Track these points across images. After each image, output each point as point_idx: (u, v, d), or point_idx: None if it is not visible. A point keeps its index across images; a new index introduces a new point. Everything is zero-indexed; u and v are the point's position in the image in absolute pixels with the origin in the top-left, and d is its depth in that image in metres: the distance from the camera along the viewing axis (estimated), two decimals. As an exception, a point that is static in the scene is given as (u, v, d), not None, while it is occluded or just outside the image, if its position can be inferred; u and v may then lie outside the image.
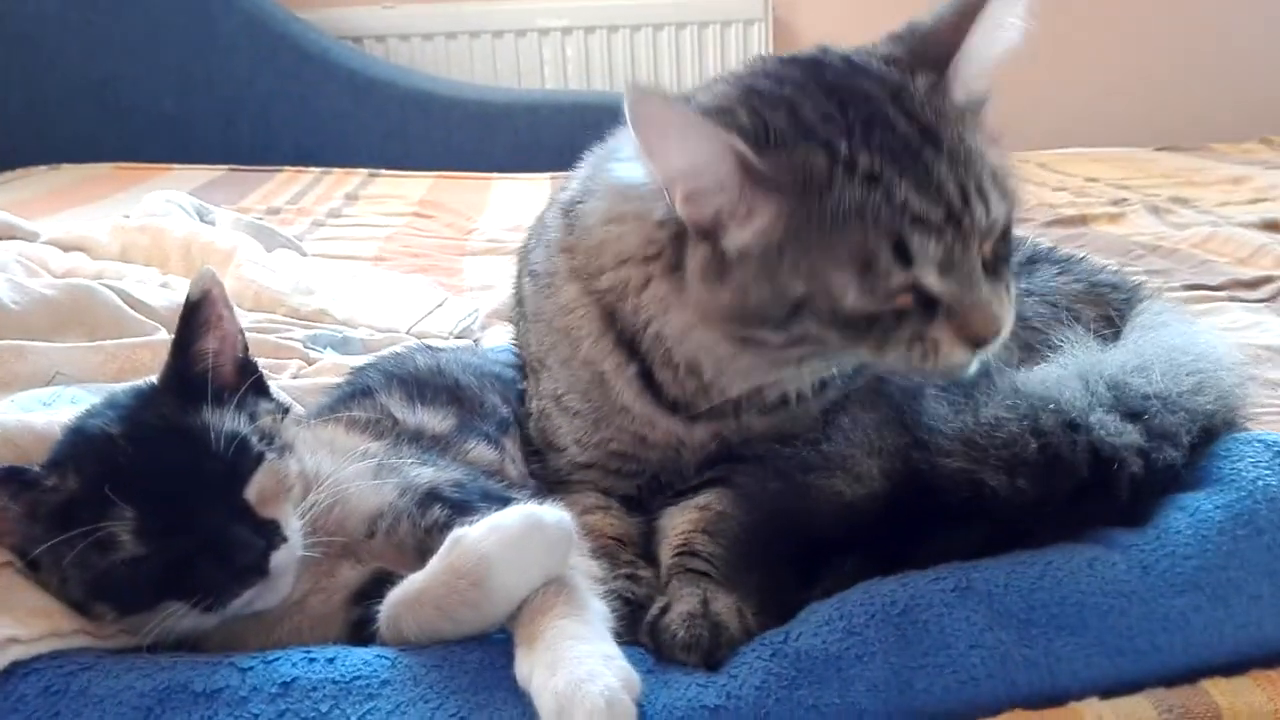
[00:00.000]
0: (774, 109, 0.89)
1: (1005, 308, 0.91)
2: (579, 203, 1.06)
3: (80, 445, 0.87)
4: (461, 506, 0.94)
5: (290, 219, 2.70)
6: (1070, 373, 0.98)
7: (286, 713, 0.76)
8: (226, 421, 0.88)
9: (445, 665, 0.80)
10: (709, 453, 1.06)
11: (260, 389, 0.97)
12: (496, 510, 0.84)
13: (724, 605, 0.88)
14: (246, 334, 1.54)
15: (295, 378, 1.45)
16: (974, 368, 0.93)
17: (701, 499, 1.02)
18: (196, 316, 0.92)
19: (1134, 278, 1.27)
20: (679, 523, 1.01)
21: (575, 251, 1.06)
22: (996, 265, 0.92)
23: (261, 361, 1.44)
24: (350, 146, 3.61)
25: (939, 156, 0.87)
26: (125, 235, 2.01)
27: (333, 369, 1.47)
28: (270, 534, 0.84)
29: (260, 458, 0.88)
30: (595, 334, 1.04)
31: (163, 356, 1.44)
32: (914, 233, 0.86)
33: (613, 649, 0.76)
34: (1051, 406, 0.92)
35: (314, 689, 0.77)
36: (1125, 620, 0.82)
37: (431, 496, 0.95)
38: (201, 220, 2.20)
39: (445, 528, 0.88)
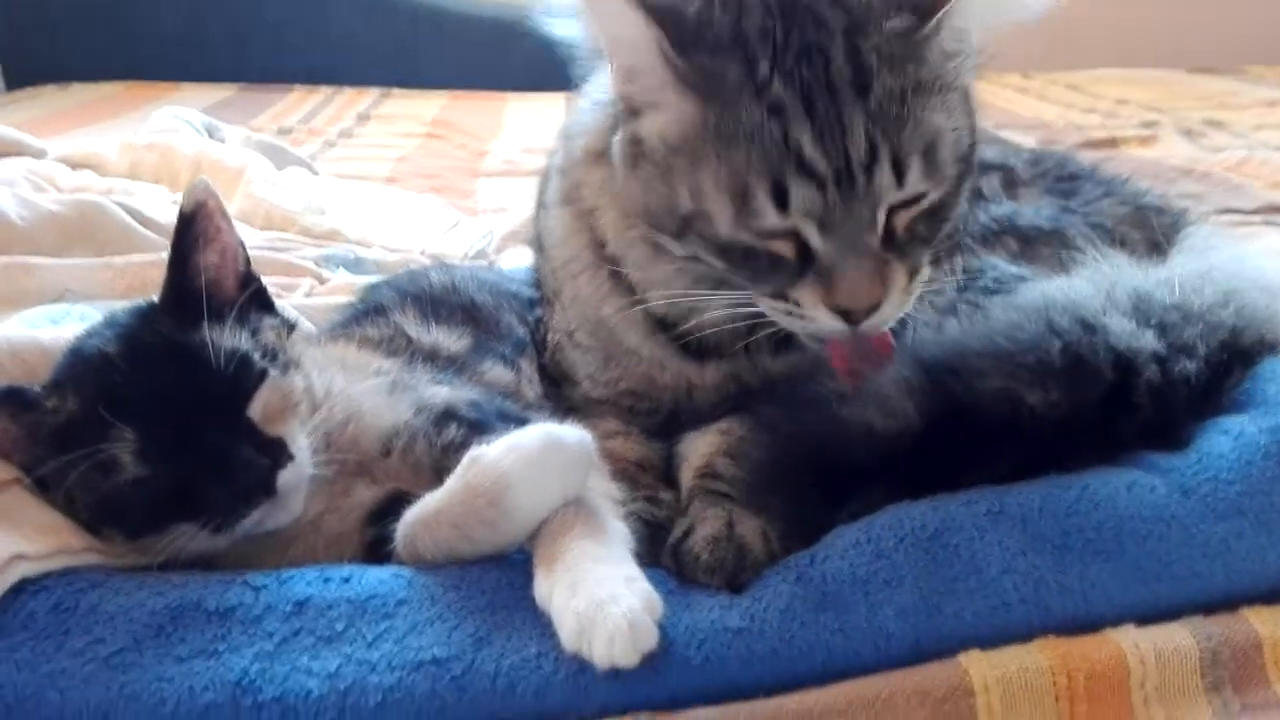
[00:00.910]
0: (724, 7, 0.84)
1: (885, 288, 0.85)
2: (572, 121, 1.03)
3: (78, 366, 0.85)
4: (478, 426, 0.92)
5: (301, 139, 2.66)
6: (1089, 281, 0.95)
7: (301, 631, 0.74)
8: (227, 338, 0.85)
9: (463, 585, 0.78)
10: (726, 394, 1.03)
11: (264, 304, 0.94)
12: (514, 430, 0.82)
13: (749, 528, 0.86)
14: (258, 253, 1.54)
15: (308, 296, 1.42)
16: (872, 322, 0.87)
17: (724, 423, 1.00)
18: (191, 230, 0.88)
19: (1178, 202, 1.22)
20: (700, 445, 0.99)
21: (567, 173, 1.03)
22: (906, 243, 0.86)
23: (274, 280, 1.43)
24: (361, 65, 3.55)
25: (858, 107, 0.81)
26: (134, 153, 1.97)
27: (346, 288, 1.44)
28: (276, 452, 0.82)
29: (263, 374, 0.85)
30: (590, 266, 1.01)
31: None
32: (797, 179, 0.81)
33: (634, 570, 0.75)
34: (1061, 306, 0.89)
35: (329, 608, 0.76)
36: (1164, 546, 0.80)
37: (447, 415, 0.93)
38: (211, 138, 2.16)
39: (462, 447, 0.85)
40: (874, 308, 0.85)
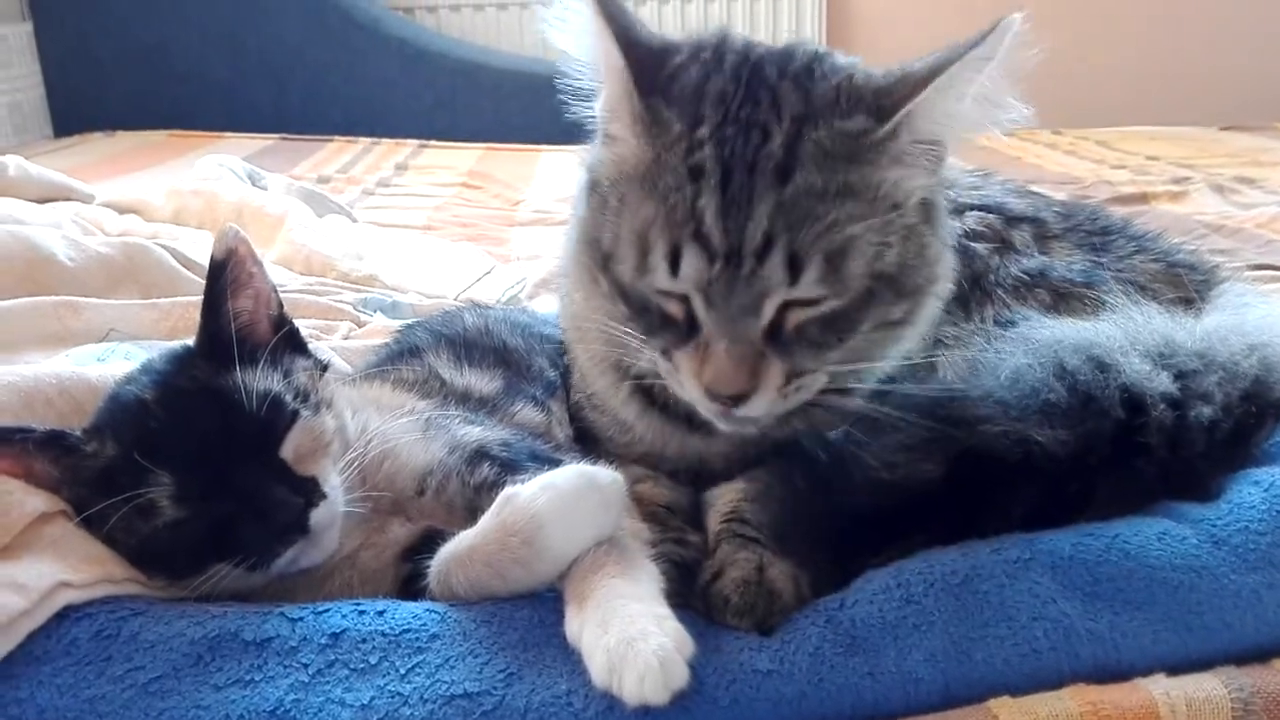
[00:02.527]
0: (701, 64, 0.86)
1: (756, 381, 0.83)
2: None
3: (116, 412, 0.87)
4: (510, 465, 0.93)
5: (340, 188, 2.71)
6: (1116, 324, 0.95)
7: (336, 663, 0.75)
8: (260, 381, 0.86)
9: (495, 621, 0.79)
10: (744, 458, 1.01)
11: (297, 346, 0.96)
12: (546, 470, 0.83)
13: (779, 572, 0.86)
14: (298, 296, 1.57)
15: (346, 339, 1.45)
16: (739, 412, 0.85)
17: (751, 472, 1.00)
18: (224, 276, 0.90)
19: (1210, 258, 1.21)
20: (727, 493, 0.99)
21: (576, 214, 1.02)
22: (794, 342, 0.84)
23: (313, 323, 1.46)
24: (399, 116, 3.63)
25: (771, 193, 0.80)
26: (179, 199, 2.02)
27: (382, 332, 1.46)
28: (309, 491, 0.83)
29: (295, 415, 0.86)
30: (592, 331, 1.00)
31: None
32: (691, 247, 0.81)
33: (665, 609, 0.75)
34: (1074, 346, 0.89)
35: (363, 640, 0.77)
36: (1195, 596, 0.80)
37: (480, 455, 0.94)
38: (254, 185, 2.22)
39: (494, 486, 0.87)
40: (741, 397, 0.84)
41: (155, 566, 0.83)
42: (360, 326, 1.52)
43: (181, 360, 0.90)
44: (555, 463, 0.93)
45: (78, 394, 1.06)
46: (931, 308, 0.92)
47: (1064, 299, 1.03)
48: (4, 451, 0.83)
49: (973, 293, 1.05)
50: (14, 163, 1.94)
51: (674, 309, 0.85)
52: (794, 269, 0.80)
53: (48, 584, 0.77)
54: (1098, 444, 0.86)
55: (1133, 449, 0.87)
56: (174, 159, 3.04)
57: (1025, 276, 1.05)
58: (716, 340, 0.82)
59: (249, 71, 3.68)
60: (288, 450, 0.85)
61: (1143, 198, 2.42)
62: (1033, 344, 0.91)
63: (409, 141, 3.36)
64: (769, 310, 0.82)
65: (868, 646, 0.77)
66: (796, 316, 0.83)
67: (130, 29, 3.62)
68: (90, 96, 3.63)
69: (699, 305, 0.83)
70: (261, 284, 0.93)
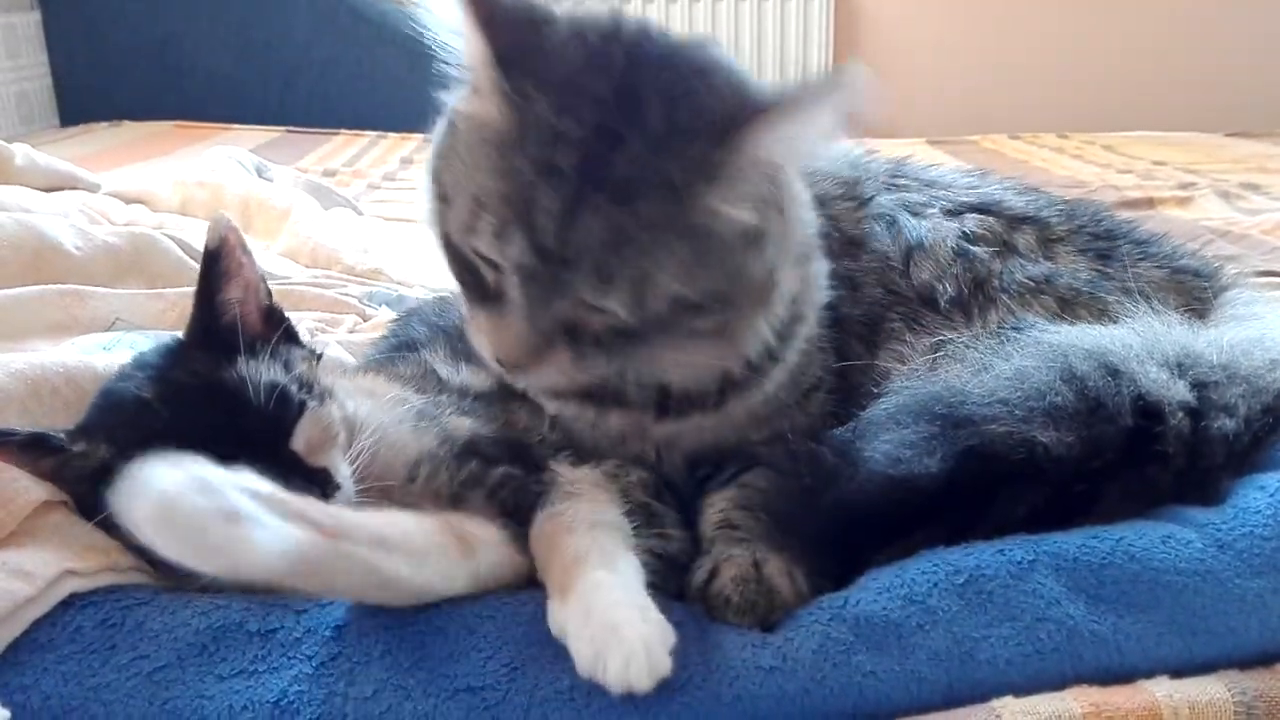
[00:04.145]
0: (580, 54, 0.85)
1: (539, 364, 0.86)
2: None
3: (112, 411, 0.84)
4: (495, 462, 0.93)
5: (346, 181, 2.71)
6: (1135, 331, 0.95)
7: (340, 656, 0.75)
8: (263, 372, 0.85)
9: (499, 615, 0.79)
10: (694, 453, 1.02)
11: (291, 335, 0.94)
12: (528, 470, 0.86)
13: (775, 568, 0.86)
14: (305, 288, 1.57)
15: (352, 332, 1.45)
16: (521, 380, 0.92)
17: (742, 478, 1.00)
18: (217, 265, 0.89)
19: (1215, 262, 1.20)
20: (716, 499, 0.98)
21: None
22: (585, 339, 0.86)
23: (318, 315, 1.46)
24: (405, 111, 3.60)
25: (605, 213, 0.80)
26: (185, 190, 2.02)
27: (387, 325, 1.47)
28: (323, 483, 0.82)
29: (302, 406, 0.85)
30: None
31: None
32: (519, 230, 0.81)
33: (645, 600, 0.75)
34: (1085, 351, 0.89)
35: (367, 634, 0.77)
36: (1199, 600, 0.79)
37: (469, 450, 0.94)
38: (260, 177, 2.22)
39: (478, 482, 0.89)
40: (504, 362, 0.87)
41: (163, 568, 0.81)
42: (366, 320, 1.52)
43: (177, 354, 0.88)
44: (540, 461, 0.94)
45: (84, 383, 1.06)
46: (754, 326, 0.91)
47: (1070, 305, 1.03)
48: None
49: (974, 297, 1.05)
50: (21, 151, 1.94)
51: (487, 274, 0.87)
52: (603, 283, 0.82)
53: (53, 571, 0.77)
54: (1105, 449, 0.85)
55: (1147, 456, 0.87)
56: (181, 150, 3.04)
57: (1030, 282, 1.05)
58: (517, 319, 0.85)
59: (256, 64, 3.68)
60: (299, 442, 0.84)
61: (1149, 202, 2.42)
62: (1041, 347, 0.91)
63: (414, 136, 3.35)
64: (569, 309, 0.84)
65: (871, 644, 0.77)
66: (594, 320, 0.85)
67: (138, 20, 3.62)
68: (97, 87, 3.63)
69: (510, 283, 0.84)
70: (251, 273, 0.92)
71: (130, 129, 3.40)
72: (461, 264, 0.89)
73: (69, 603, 0.78)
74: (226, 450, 0.78)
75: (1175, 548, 0.82)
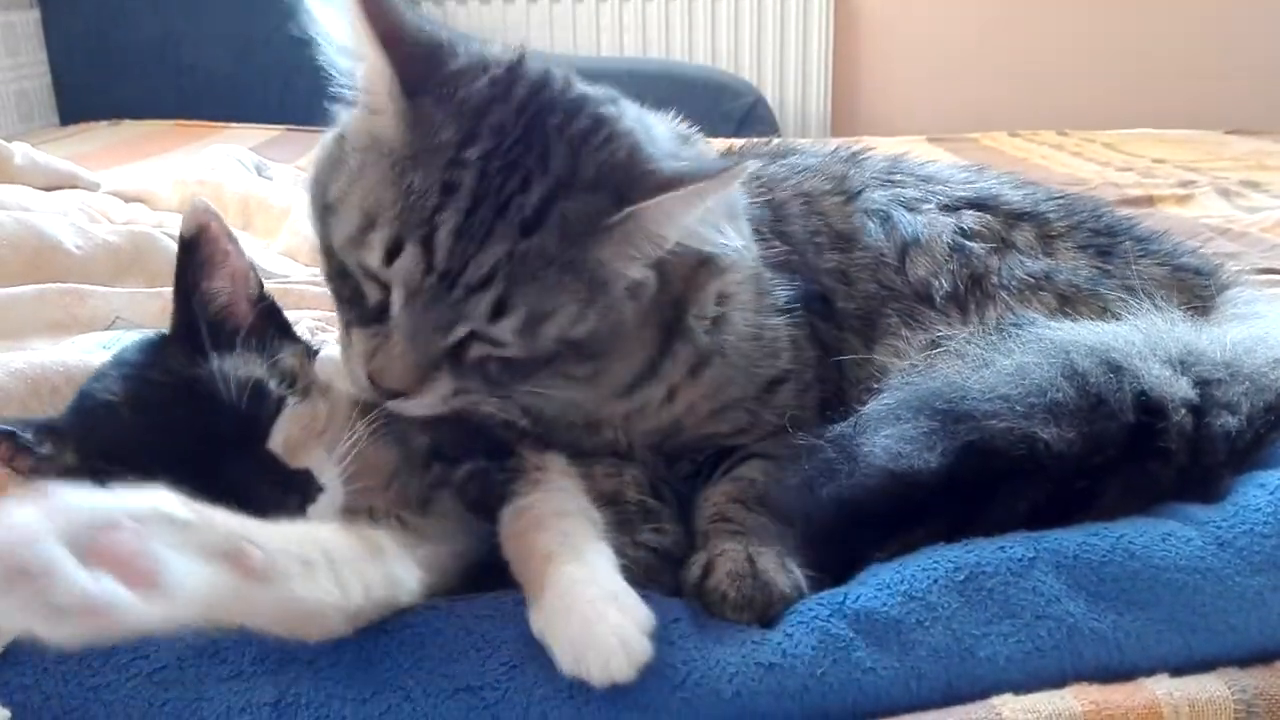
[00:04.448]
0: (483, 85, 0.86)
1: (420, 389, 0.84)
2: None
3: (82, 415, 0.81)
4: (458, 461, 0.91)
5: (345, 178, 2.70)
6: (1138, 329, 0.95)
7: (338, 657, 0.75)
8: (239, 367, 0.80)
9: (496, 615, 0.79)
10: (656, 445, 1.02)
11: (282, 328, 0.91)
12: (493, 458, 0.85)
13: (771, 562, 0.85)
14: (305, 286, 1.57)
15: (350, 331, 1.44)
16: (395, 406, 0.87)
17: (736, 470, 1.00)
18: (195, 255, 0.85)
19: (1215, 260, 1.20)
20: (711, 493, 0.99)
21: None
22: (470, 372, 0.85)
23: (319, 314, 1.45)
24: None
25: (508, 239, 0.80)
26: (184, 188, 2.02)
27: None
28: (303, 486, 0.78)
29: (281, 402, 0.81)
30: None
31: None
32: (415, 247, 0.81)
33: (619, 586, 0.75)
34: (1088, 347, 0.89)
35: (366, 636, 0.77)
36: (1199, 597, 0.80)
37: (434, 453, 0.92)
38: (259, 175, 2.22)
39: (444, 483, 0.88)
40: (399, 393, 0.85)
41: None
42: (365, 318, 1.52)
43: (156, 350, 0.85)
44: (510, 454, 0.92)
45: (83, 382, 1.06)
46: (617, 373, 0.92)
47: (1070, 302, 1.03)
48: None
49: (971, 293, 1.05)
50: (21, 150, 1.94)
51: (371, 291, 0.85)
52: (496, 313, 0.82)
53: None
54: (1106, 445, 0.85)
55: (1149, 452, 0.87)
56: (180, 148, 3.04)
57: (1029, 279, 1.05)
58: (399, 340, 0.83)
59: (256, 63, 3.67)
60: (276, 441, 0.80)
61: (1149, 200, 2.42)
62: (1043, 343, 0.91)
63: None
64: (457, 335, 0.84)
65: (871, 641, 0.77)
66: (480, 350, 0.85)
67: (137, 19, 3.62)
68: (96, 85, 3.63)
69: (396, 300, 0.83)
70: (238, 262, 0.88)
71: (130, 128, 3.40)
72: (341, 278, 0.87)
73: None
74: (197, 453, 0.75)
75: (1175, 545, 0.82)
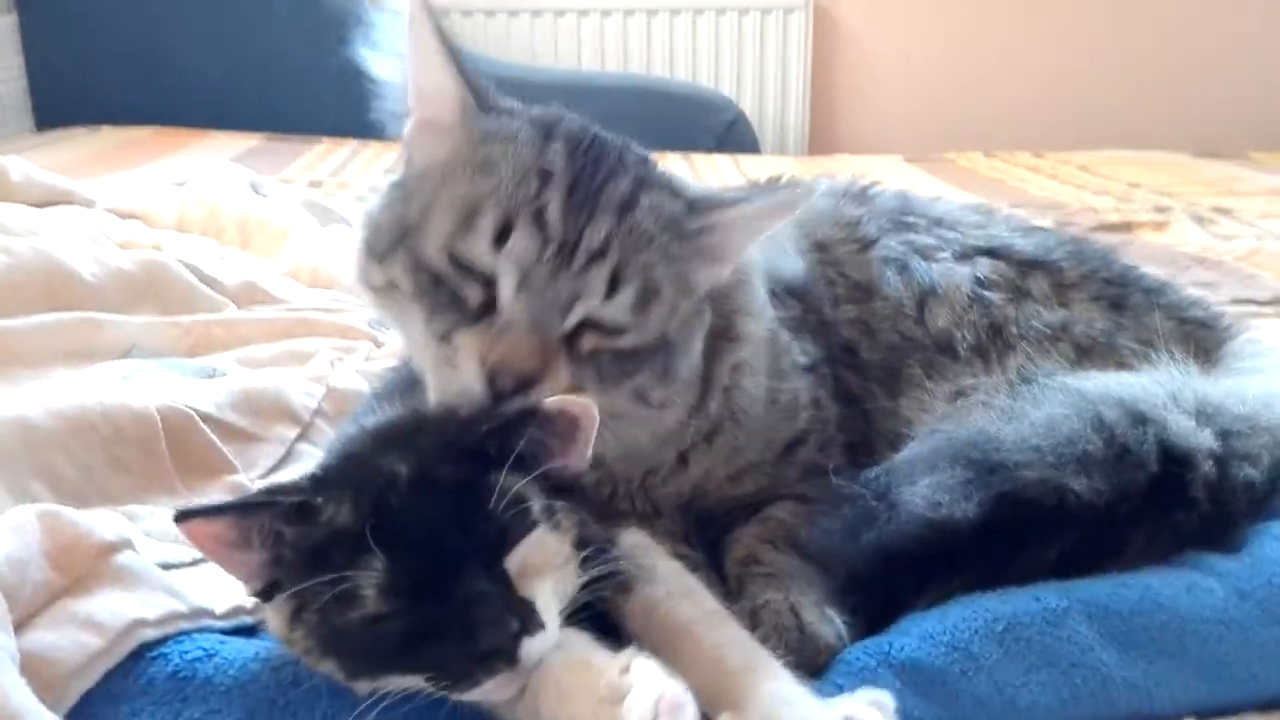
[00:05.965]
0: (537, 116, 0.95)
1: (545, 371, 0.84)
2: None
3: (357, 476, 0.77)
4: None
5: (332, 193, 2.69)
6: (1157, 381, 0.99)
7: (411, 713, 0.75)
8: (514, 482, 0.76)
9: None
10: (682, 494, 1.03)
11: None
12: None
13: (814, 614, 0.87)
14: (314, 315, 1.58)
15: (367, 360, 1.45)
16: (520, 400, 0.84)
17: (765, 511, 1.02)
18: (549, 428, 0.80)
19: (1219, 311, 1.22)
20: (740, 534, 1.00)
21: None
22: (585, 360, 0.87)
23: (332, 343, 1.46)
24: (387, 118, 3.60)
25: (610, 216, 0.86)
26: (181, 207, 2.02)
27: (400, 353, 1.47)
28: (526, 616, 0.72)
29: (534, 525, 0.76)
30: None
31: (237, 332, 1.45)
32: (526, 226, 0.85)
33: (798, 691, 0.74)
34: (1115, 399, 0.93)
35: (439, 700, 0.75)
36: (1223, 647, 0.84)
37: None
38: (256, 193, 2.21)
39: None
40: (523, 384, 0.83)
41: (337, 661, 0.74)
42: (379, 346, 1.53)
43: (444, 431, 0.81)
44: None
45: (120, 421, 1.08)
46: (674, 412, 0.96)
47: (1087, 354, 1.06)
48: (247, 520, 0.74)
49: (993, 343, 1.08)
50: (15, 166, 1.92)
51: (471, 291, 0.86)
52: (612, 286, 0.86)
53: (122, 622, 0.78)
54: (1133, 494, 0.90)
55: (1174, 502, 0.91)
56: (159, 156, 3.02)
57: (1047, 330, 1.08)
58: (518, 324, 0.84)
59: (236, 70, 3.65)
60: (513, 561, 0.74)
61: (1127, 227, 2.49)
62: (1070, 395, 0.95)
63: (396, 145, 3.34)
64: (575, 317, 0.86)
65: (918, 691, 0.80)
66: (593, 341, 0.88)
67: (115, 23, 3.57)
68: (73, 90, 3.57)
69: (508, 285, 0.85)
70: (580, 465, 0.83)
71: (108, 134, 3.36)
72: (434, 287, 0.87)
73: (139, 653, 0.78)
74: (441, 548, 0.72)
75: (1199, 596, 0.86)
